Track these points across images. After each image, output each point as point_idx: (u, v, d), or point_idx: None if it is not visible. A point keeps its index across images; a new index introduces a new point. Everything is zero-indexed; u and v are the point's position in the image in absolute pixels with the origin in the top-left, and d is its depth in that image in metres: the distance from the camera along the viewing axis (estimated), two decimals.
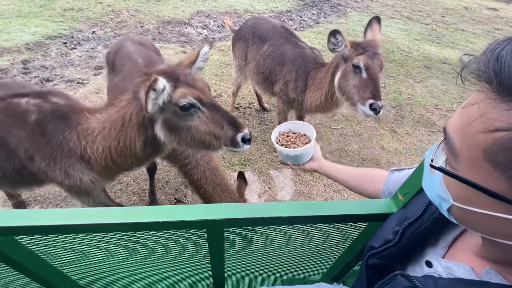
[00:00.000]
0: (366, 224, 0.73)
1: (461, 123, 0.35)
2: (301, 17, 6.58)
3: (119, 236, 0.72)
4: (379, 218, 0.67)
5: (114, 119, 1.11)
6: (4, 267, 0.71)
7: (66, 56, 4.26)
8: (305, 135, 1.08)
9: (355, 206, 0.68)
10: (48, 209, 0.66)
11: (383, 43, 5.71)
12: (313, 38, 5.50)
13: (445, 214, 0.44)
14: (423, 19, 7.50)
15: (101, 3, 5.99)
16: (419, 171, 0.60)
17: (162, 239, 0.74)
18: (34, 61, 4.02)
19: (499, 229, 0.36)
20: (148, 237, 0.75)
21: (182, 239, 0.73)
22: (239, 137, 1.05)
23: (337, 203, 0.69)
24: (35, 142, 1.12)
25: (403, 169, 0.83)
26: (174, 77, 1.04)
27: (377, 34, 2.05)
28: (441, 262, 0.50)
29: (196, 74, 1.15)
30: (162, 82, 0.96)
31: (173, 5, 6.23)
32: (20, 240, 0.67)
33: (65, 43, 4.53)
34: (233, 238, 0.72)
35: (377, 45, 1.95)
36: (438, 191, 0.42)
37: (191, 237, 0.72)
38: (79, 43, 4.58)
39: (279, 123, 2.95)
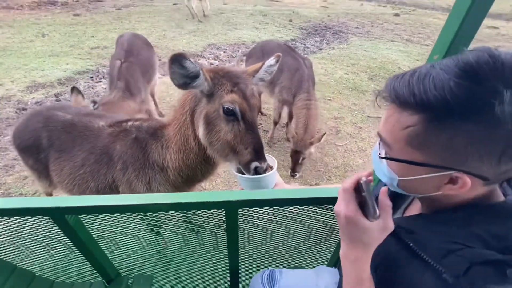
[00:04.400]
0: None
1: (387, 127, 0.54)
2: (304, 44, 7.05)
3: (156, 217, 0.93)
4: None
5: (177, 117, 1.25)
6: (68, 241, 0.93)
7: (92, 88, 4.74)
8: (268, 165, 1.12)
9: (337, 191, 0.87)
10: (109, 195, 0.88)
11: (384, 64, 6.03)
12: (317, 64, 5.86)
13: (396, 189, 0.61)
14: (423, 40, 7.84)
15: None
16: None
17: (194, 219, 0.93)
18: (65, 94, 4.50)
19: (428, 186, 0.54)
20: (179, 219, 0.96)
21: (206, 219, 0.94)
22: (253, 165, 1.06)
23: (327, 188, 0.88)
24: (132, 155, 1.34)
25: None
26: (234, 80, 1.09)
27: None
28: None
29: (256, 86, 1.20)
30: (189, 61, 0.98)
31: (187, 40, 6.85)
32: (82, 220, 0.90)
33: (91, 77, 5.06)
34: (245, 219, 0.92)
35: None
36: (388, 174, 0.58)
37: (213, 218, 0.92)
38: (104, 76, 5.09)
39: (275, 118, 3.28)
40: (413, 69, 0.51)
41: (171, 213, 0.94)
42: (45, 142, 1.58)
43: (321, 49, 6.80)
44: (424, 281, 0.50)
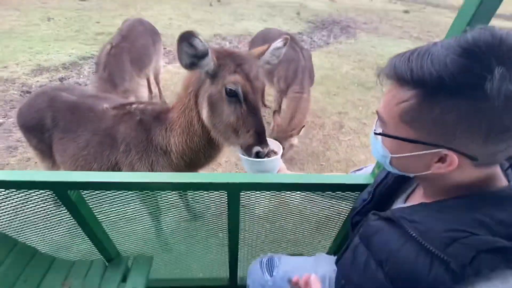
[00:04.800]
0: (353, 195, 0.91)
1: (385, 104, 0.55)
2: (311, 38, 6.96)
3: (157, 197, 0.94)
4: (361, 189, 0.86)
5: (181, 99, 1.24)
6: (70, 217, 0.94)
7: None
8: (273, 150, 1.12)
9: (342, 178, 0.87)
10: (113, 172, 0.88)
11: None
12: (323, 58, 5.80)
13: (389, 167, 0.61)
14: (432, 39, 7.71)
15: None
16: None
17: (198, 199, 0.94)
18: (69, 78, 4.49)
19: (418, 164, 0.54)
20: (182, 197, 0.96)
21: (208, 202, 0.94)
22: (255, 149, 1.04)
23: (328, 175, 0.88)
24: (135, 137, 1.34)
25: (361, 169, 1.02)
26: (238, 61, 1.07)
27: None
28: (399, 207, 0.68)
29: (262, 68, 1.18)
30: (198, 39, 0.97)
31: (192, 28, 6.78)
32: (84, 196, 0.90)
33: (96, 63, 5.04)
34: (247, 203, 0.92)
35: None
36: (381, 151, 0.59)
37: (214, 201, 0.92)
38: None
39: (275, 108, 3.29)
40: (415, 48, 0.51)
41: (172, 194, 0.94)
42: (49, 122, 1.58)
43: (328, 44, 6.71)
44: (433, 274, 0.49)
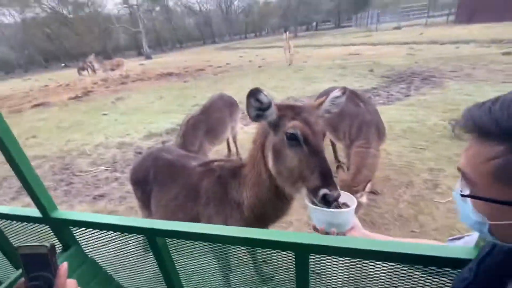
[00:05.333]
0: (452, 272, 0.71)
1: (468, 161, 0.47)
2: (388, 92, 6.70)
3: (228, 250, 0.96)
4: (463, 264, 0.68)
5: (251, 153, 1.36)
6: (153, 261, 1.04)
7: None
8: (344, 203, 1.02)
9: (437, 249, 0.71)
10: (191, 223, 0.98)
11: None
12: (403, 111, 5.41)
13: (489, 237, 0.50)
14: None
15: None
16: None
17: (266, 258, 0.92)
18: (170, 141, 5.48)
19: None
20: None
21: (275, 262, 0.90)
22: (321, 192, 0.99)
23: (418, 244, 0.73)
24: (214, 191, 1.53)
25: (463, 237, 0.79)
26: (296, 111, 1.16)
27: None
28: None
29: (323, 117, 1.24)
30: (263, 94, 1.07)
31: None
32: (168, 243, 1.01)
33: None
34: (317, 268, 0.84)
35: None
36: (474, 217, 0.49)
37: (282, 261, 0.88)
38: None
39: (347, 164, 3.08)
40: (495, 97, 0.47)
41: (241, 250, 0.95)
42: (151, 177, 1.92)
43: (408, 96, 6.31)
44: None
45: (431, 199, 3.01)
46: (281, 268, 0.98)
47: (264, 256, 0.98)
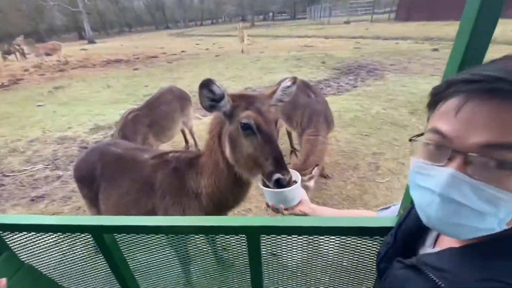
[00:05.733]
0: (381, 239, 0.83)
1: (500, 128, 0.40)
2: (338, 83, 7.16)
3: (181, 240, 0.96)
4: (387, 233, 0.79)
5: (208, 143, 1.36)
6: (102, 259, 0.99)
7: None
8: (294, 180, 1.10)
9: (366, 221, 0.81)
10: (141, 216, 0.95)
11: (425, 99, 5.74)
12: (351, 100, 5.85)
13: (497, 228, 0.44)
14: None
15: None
16: (408, 190, 0.75)
17: (225, 245, 0.94)
18: None
19: None
20: (204, 242, 0.97)
21: (229, 246, 0.93)
22: (275, 176, 1.05)
23: (351, 218, 0.83)
24: (170, 183, 1.48)
25: (389, 207, 0.93)
26: (249, 100, 1.19)
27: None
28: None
29: (275, 106, 1.28)
30: (216, 85, 1.09)
31: (227, 85, 7.46)
32: (117, 239, 0.96)
33: None
34: (269, 248, 0.89)
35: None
36: (498, 206, 0.42)
37: (235, 245, 0.91)
38: None
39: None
40: (491, 60, 0.46)
41: (196, 239, 0.96)
42: (98, 173, 1.78)
43: (355, 87, 6.82)
44: None
45: (373, 179, 3.37)
46: (240, 254, 1.02)
47: (223, 244, 1.01)
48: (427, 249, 0.63)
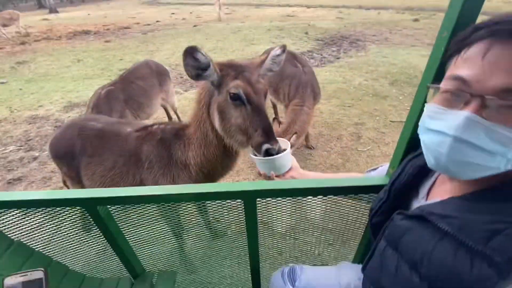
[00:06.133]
0: (372, 196, 0.89)
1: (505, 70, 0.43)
2: (321, 55, 7.09)
3: (178, 209, 0.97)
4: (378, 190, 0.84)
5: (196, 114, 1.33)
6: (100, 235, 0.99)
7: None
8: (284, 149, 1.12)
9: (358, 181, 0.86)
10: (133, 187, 0.94)
11: (405, 69, 5.88)
12: (334, 72, 5.86)
13: (502, 168, 0.46)
14: None
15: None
16: (399, 147, 0.79)
17: (217, 215, 0.96)
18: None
19: None
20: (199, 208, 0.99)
21: (225, 212, 0.96)
22: (264, 147, 1.07)
23: (341, 179, 0.88)
24: (157, 154, 1.45)
25: (377, 167, 0.99)
26: (238, 70, 1.16)
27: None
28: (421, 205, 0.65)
29: (264, 76, 1.25)
30: (201, 53, 1.06)
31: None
32: (111, 211, 0.96)
33: None
34: (264, 211, 0.93)
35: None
36: (506, 146, 0.45)
37: (231, 210, 0.94)
38: None
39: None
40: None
41: (191, 206, 0.97)
42: (78, 149, 1.71)
43: (338, 58, 6.80)
44: (476, 271, 0.44)
45: (355, 148, 3.50)
46: (231, 220, 1.05)
47: (216, 214, 1.03)
48: (421, 201, 0.67)
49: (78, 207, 0.93)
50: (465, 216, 0.49)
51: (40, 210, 0.94)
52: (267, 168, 1.04)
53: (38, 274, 0.52)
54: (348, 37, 8.63)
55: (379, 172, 0.94)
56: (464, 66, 0.49)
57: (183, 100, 4.92)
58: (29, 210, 0.93)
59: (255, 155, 1.11)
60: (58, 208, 0.93)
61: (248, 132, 1.12)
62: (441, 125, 0.50)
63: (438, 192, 0.65)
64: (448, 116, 0.50)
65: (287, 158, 1.05)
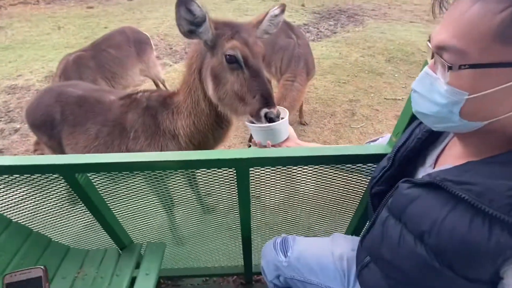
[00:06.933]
0: (370, 167, 0.85)
1: (459, 29, 0.43)
2: (318, 28, 6.82)
3: (164, 179, 0.91)
4: (379, 159, 0.80)
5: (186, 79, 1.23)
6: (82, 205, 0.93)
7: None
8: (282, 117, 1.08)
9: (358, 149, 0.81)
10: (117, 153, 0.87)
11: (402, 46, 5.75)
12: (331, 47, 5.67)
13: (455, 121, 0.48)
14: None
15: None
16: (405, 113, 0.73)
17: (204, 178, 0.91)
18: None
19: (507, 101, 0.43)
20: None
21: (216, 181, 0.90)
22: (263, 111, 1.01)
23: (341, 147, 0.83)
24: (143, 123, 1.35)
25: (377, 139, 0.94)
26: (235, 29, 1.06)
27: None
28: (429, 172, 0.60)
29: (261, 38, 1.16)
30: (196, 4, 0.96)
31: None
32: (92, 180, 0.89)
33: None
34: (257, 180, 0.88)
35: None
36: (446, 99, 0.46)
37: (223, 179, 0.89)
38: None
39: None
40: None
41: (179, 177, 0.91)
42: (58, 117, 1.60)
43: (335, 33, 6.56)
44: (495, 241, 0.41)
45: (349, 125, 3.47)
46: (224, 196, 1.00)
47: (206, 187, 0.98)
48: (427, 169, 0.63)
49: (56, 175, 0.85)
50: (486, 182, 0.44)
51: (13, 178, 0.86)
52: (264, 136, 0.98)
53: (37, 272, 0.53)
54: (346, 11, 8.29)
55: (379, 143, 0.89)
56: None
57: (172, 73, 4.70)
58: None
59: (252, 123, 1.04)
60: (33, 176, 0.85)
61: (245, 98, 1.04)
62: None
63: (448, 158, 0.61)
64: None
65: (285, 126, 0.99)
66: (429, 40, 0.51)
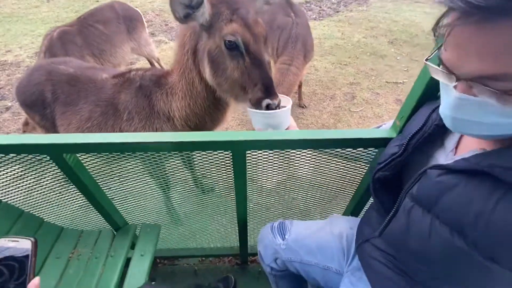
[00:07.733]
0: (371, 153, 0.82)
1: (491, 55, 0.39)
2: (320, 7, 6.56)
3: (158, 160, 0.88)
4: (381, 144, 0.77)
5: (179, 59, 1.15)
6: (69, 183, 0.90)
7: None
8: (284, 106, 1.04)
9: (359, 132, 0.78)
10: (109, 133, 0.83)
11: (406, 27, 5.56)
12: (333, 27, 5.47)
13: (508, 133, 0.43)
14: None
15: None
16: (411, 97, 0.69)
17: (199, 161, 0.88)
18: None
19: None
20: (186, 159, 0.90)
21: (212, 164, 0.88)
22: (264, 102, 0.97)
23: (342, 130, 0.79)
24: (136, 104, 1.29)
25: (380, 125, 0.90)
26: (233, 6, 0.97)
27: None
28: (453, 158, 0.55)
29: (260, 13, 1.08)
30: None
31: None
32: (82, 160, 0.86)
33: None
34: (254, 163, 0.85)
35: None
36: (510, 117, 0.42)
37: (219, 162, 0.86)
38: None
39: None
40: None
41: (174, 158, 0.88)
42: (49, 96, 1.53)
43: (338, 12, 6.32)
44: None
45: (348, 109, 3.42)
46: (220, 178, 0.97)
47: (202, 169, 0.95)
48: (449, 154, 0.59)
49: (43, 156, 0.81)
50: None
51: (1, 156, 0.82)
52: (265, 123, 0.94)
53: (27, 243, 0.47)
54: None
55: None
56: (446, 48, 0.45)
57: (168, 51, 4.54)
58: None
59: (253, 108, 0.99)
60: (19, 156, 0.81)
61: (246, 87, 0.99)
62: (443, 98, 0.49)
63: (471, 142, 0.56)
64: (447, 91, 0.47)
65: (286, 115, 0.95)
66: (439, 64, 0.47)
